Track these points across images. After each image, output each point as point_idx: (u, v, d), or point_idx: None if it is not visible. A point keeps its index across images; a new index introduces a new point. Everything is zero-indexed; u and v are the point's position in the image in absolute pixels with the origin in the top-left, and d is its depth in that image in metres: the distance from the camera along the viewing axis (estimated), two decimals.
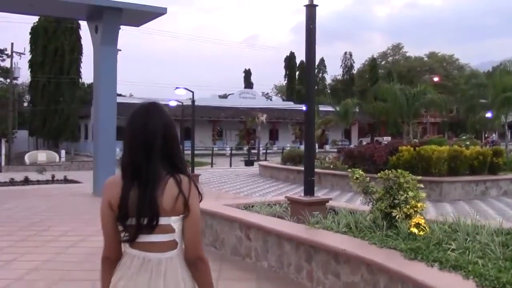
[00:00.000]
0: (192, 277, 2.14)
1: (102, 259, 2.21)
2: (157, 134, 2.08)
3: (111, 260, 2.17)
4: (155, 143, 2.07)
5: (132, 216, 2.02)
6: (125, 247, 2.11)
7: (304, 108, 7.30)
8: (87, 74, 62.50)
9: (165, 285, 2.04)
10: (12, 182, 19.63)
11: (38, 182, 20.02)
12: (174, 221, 2.04)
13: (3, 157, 39.85)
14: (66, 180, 20.87)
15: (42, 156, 41.11)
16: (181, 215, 2.05)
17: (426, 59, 78.51)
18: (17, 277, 5.73)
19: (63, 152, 42.41)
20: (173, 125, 2.22)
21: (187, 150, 28.94)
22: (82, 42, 45.55)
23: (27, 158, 40.51)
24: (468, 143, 20.95)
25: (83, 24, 43.02)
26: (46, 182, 20.10)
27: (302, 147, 25.42)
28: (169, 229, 2.04)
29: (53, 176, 21.53)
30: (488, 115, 48.38)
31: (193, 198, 2.07)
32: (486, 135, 54.38)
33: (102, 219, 2.17)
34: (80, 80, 48.05)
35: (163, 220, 2.02)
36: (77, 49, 45.17)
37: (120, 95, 38.51)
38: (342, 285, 4.80)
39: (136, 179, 2.04)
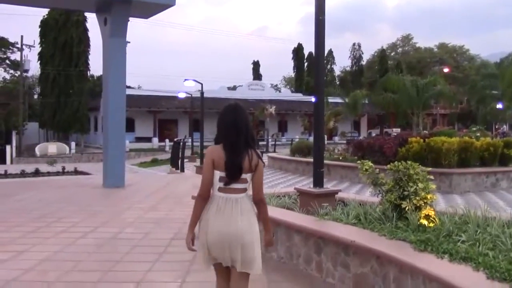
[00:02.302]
0: (255, 211, 3.41)
1: (198, 196, 3.35)
2: (242, 124, 3.36)
3: (203, 197, 3.35)
4: (241, 130, 3.33)
5: (227, 171, 3.27)
6: (213, 192, 3.33)
7: (313, 99, 7.27)
8: (95, 66, 62.60)
9: (241, 212, 3.29)
10: (23, 174, 19.83)
11: (49, 173, 20.23)
12: (248, 176, 3.33)
13: (14, 149, 40.17)
14: (76, 172, 21.06)
15: (52, 148, 41.42)
16: (251, 173, 3.34)
17: (436, 50, 77.90)
18: (29, 268, 5.78)
19: (73, 144, 42.70)
20: (249, 118, 3.51)
21: (196, 141, 29.05)
22: (90, 34, 45.69)
23: (37, 150, 40.83)
24: (478, 134, 20.80)
25: (90, 17, 43.19)
26: (57, 173, 20.30)
27: (311, 139, 25.38)
28: (244, 180, 3.33)
29: (63, 168, 21.73)
30: (499, 106, 48.00)
31: (260, 162, 3.38)
32: (496, 127, 53.96)
33: (205, 170, 3.36)
34: (88, 72, 48.21)
35: (243, 175, 3.30)
36: (85, 41, 45.28)
37: (128, 87, 38.62)
38: (352, 276, 4.80)
39: (229, 150, 3.27)
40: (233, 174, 3.27)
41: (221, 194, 3.31)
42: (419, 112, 34.03)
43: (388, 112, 50.13)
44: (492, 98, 51.38)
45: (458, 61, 74.73)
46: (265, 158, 25.81)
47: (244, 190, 3.35)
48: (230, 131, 3.33)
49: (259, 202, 3.42)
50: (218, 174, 3.29)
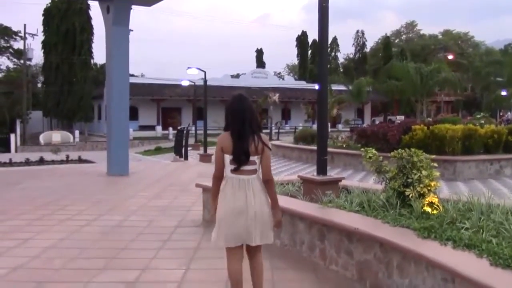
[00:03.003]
0: (265, 190, 3.81)
1: (213, 178, 3.84)
2: (246, 112, 3.76)
3: (218, 178, 3.83)
4: (246, 118, 3.73)
5: (234, 156, 3.69)
6: (226, 174, 3.76)
7: (316, 87, 7.24)
8: (99, 55, 62.52)
9: (253, 192, 3.73)
10: (27, 162, 19.90)
11: (53, 162, 20.30)
12: (256, 158, 3.74)
13: (18, 137, 40.29)
14: (80, 160, 21.13)
15: (56, 136, 41.52)
16: (259, 155, 3.74)
17: (440, 37, 77.39)
18: (34, 255, 5.82)
19: (77, 132, 42.79)
20: (253, 106, 3.94)
21: (200, 130, 29.05)
22: (93, 22, 45.54)
23: (41, 139, 40.94)
24: (482, 121, 20.72)
25: (93, 5, 43.01)
26: (61, 162, 20.37)
27: (315, 127, 25.33)
28: (253, 162, 3.74)
29: (67, 156, 21.79)
30: (504, 93, 47.76)
31: (266, 144, 3.78)
32: (501, 114, 53.75)
33: (216, 156, 3.79)
34: (92, 60, 48.13)
35: (251, 158, 3.70)
36: (88, 30, 45.15)
37: (132, 75, 38.59)
38: (355, 263, 4.81)
39: (236, 137, 3.68)
40: (240, 158, 3.69)
41: (234, 175, 3.75)
42: (423, 99, 33.94)
43: (392, 99, 50.02)
44: (497, 85, 51.14)
45: (462, 48, 74.24)
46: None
47: (255, 171, 3.78)
48: (236, 119, 3.74)
49: (268, 181, 3.82)
50: (228, 157, 3.74)
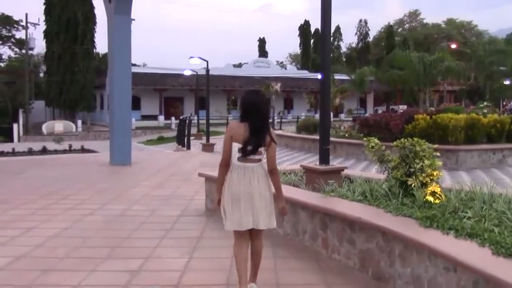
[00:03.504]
0: (268, 177, 4.08)
1: (220, 165, 4.02)
2: (267, 108, 4.11)
3: (224, 166, 4.00)
4: (266, 113, 4.09)
5: (249, 146, 3.91)
6: (233, 161, 3.97)
7: (319, 76, 7.22)
8: (101, 44, 62.40)
9: (258, 177, 3.99)
10: (30, 152, 19.93)
11: (56, 151, 20.30)
12: (262, 149, 3.99)
13: (21, 127, 40.34)
14: (83, 150, 21.14)
15: (59, 126, 41.57)
16: (265, 147, 3.99)
17: (443, 26, 76.97)
18: (38, 244, 5.86)
19: (79, 122, 42.82)
20: (267, 101, 4.25)
21: (202, 119, 29.05)
22: (96, 11, 45.38)
23: (44, 128, 40.99)
24: (485, 111, 20.67)
25: None
26: (64, 151, 20.37)
27: (317, 116, 25.30)
28: (260, 153, 3.99)
29: (70, 146, 21.80)
30: (507, 82, 47.56)
31: (273, 139, 4.04)
32: (504, 103, 53.59)
33: (225, 144, 3.99)
34: (94, 50, 48.03)
35: (260, 148, 3.96)
36: (91, 19, 45.02)
37: (134, 65, 38.50)
38: (357, 252, 4.83)
39: (253, 129, 3.90)
40: (252, 149, 3.92)
41: (240, 163, 3.96)
42: (426, 88, 33.83)
43: (394, 89, 49.84)
44: (500, 74, 50.92)
45: (466, 37, 73.84)
46: None
47: (259, 160, 4.02)
48: (257, 113, 3.95)
49: (273, 170, 4.08)
50: (236, 146, 3.93)
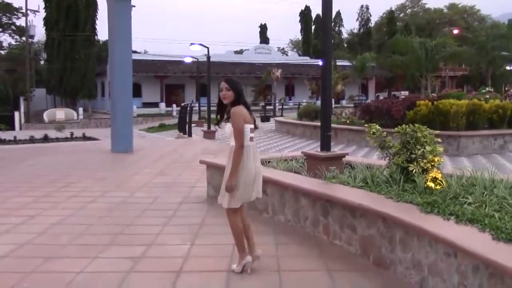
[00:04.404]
0: None
1: (240, 148, 4.24)
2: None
3: (243, 147, 4.27)
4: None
5: (254, 123, 4.44)
6: (246, 143, 4.30)
7: (320, 63, 7.20)
8: (103, 31, 62.10)
9: (258, 154, 4.55)
10: (32, 140, 19.94)
11: (57, 139, 20.31)
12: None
13: (22, 115, 40.33)
14: (84, 138, 21.14)
15: (60, 114, 41.54)
16: None
17: (446, 10, 76.37)
18: (41, 231, 5.90)
19: (80, 109, 42.78)
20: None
21: (203, 106, 29.00)
22: None
23: (45, 116, 40.98)
24: (487, 96, 20.61)
25: None
26: (65, 139, 20.38)
27: (318, 103, 25.23)
28: (253, 130, 4.40)
29: (71, 134, 21.80)
30: (509, 68, 47.34)
31: None
32: (506, 88, 53.36)
33: (242, 126, 4.27)
34: (95, 37, 47.82)
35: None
36: (92, 5, 44.76)
37: (134, 51, 38.30)
38: (358, 238, 4.86)
39: (249, 109, 4.41)
40: (256, 126, 4.45)
41: (251, 143, 4.37)
42: (427, 74, 33.70)
43: (396, 74, 49.65)
44: (503, 60, 50.64)
45: (468, 22, 73.28)
46: (272, 122, 25.85)
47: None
48: (243, 96, 4.38)
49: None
50: (248, 126, 4.31)
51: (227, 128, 4.38)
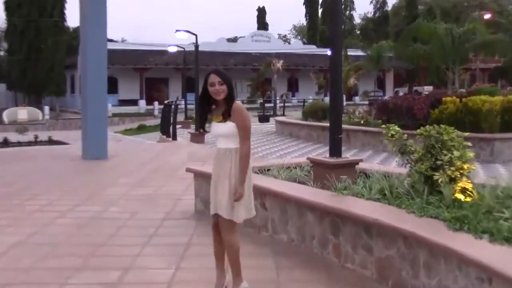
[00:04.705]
0: None
1: (249, 149, 4.37)
2: None
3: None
4: None
5: None
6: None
7: (329, 52, 7.20)
8: (73, 17, 62.10)
9: None
10: None
11: (19, 143, 20.33)
12: None
13: None
14: (51, 141, 21.16)
15: (22, 113, 41.49)
16: None
17: None
18: (0, 253, 5.85)
19: (46, 108, 42.75)
20: None
21: (191, 103, 29.01)
22: None
23: (5, 116, 40.93)
24: None
25: None
26: (28, 143, 20.40)
27: (327, 99, 25.22)
28: None
29: (36, 137, 21.82)
30: None
31: None
32: None
33: (250, 127, 4.44)
34: (65, 23, 47.82)
35: None
36: None
37: (110, 40, 38.25)
38: (375, 260, 4.83)
39: None
40: None
41: None
42: (454, 66, 33.72)
43: (418, 66, 49.73)
44: None
45: (502, 5, 73.56)
46: (272, 123, 25.86)
47: None
48: None
49: None
50: None
51: (225, 127, 4.35)
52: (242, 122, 4.32)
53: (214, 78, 4.31)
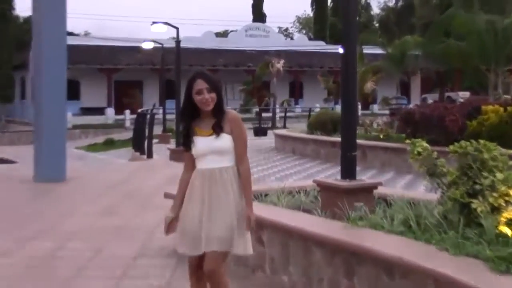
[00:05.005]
0: None
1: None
2: None
3: None
4: None
5: None
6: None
7: (340, 50, 7.22)
8: (24, 4, 62.28)
9: None
10: None
11: None
12: None
13: None
14: None
15: None
16: None
17: None
18: None
19: None
20: None
21: (170, 113, 29.01)
22: None
23: None
24: None
25: None
26: None
27: (338, 108, 25.14)
28: None
29: None
30: None
31: None
32: None
33: None
34: (13, 12, 47.98)
35: None
36: None
37: (71, 33, 38.39)
38: None
39: None
40: None
41: None
42: (497, 68, 33.83)
43: (451, 67, 49.97)
44: None
45: None
46: (271, 137, 25.86)
47: None
48: None
49: None
50: None
51: (220, 141, 4.34)
52: (242, 134, 4.36)
53: (201, 84, 4.27)
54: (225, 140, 4.31)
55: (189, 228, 4.37)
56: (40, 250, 7.76)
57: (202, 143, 4.35)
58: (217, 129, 4.30)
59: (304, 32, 78.69)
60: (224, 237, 4.28)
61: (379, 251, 5.00)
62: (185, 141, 4.46)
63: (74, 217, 9.92)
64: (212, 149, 4.33)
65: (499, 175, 5.17)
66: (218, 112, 4.33)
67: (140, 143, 22.33)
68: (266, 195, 7.43)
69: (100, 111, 45.52)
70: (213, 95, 4.27)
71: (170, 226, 4.50)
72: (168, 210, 4.55)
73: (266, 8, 72.10)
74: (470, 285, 4.11)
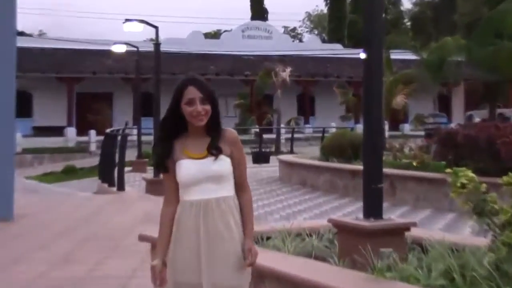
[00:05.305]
0: None
1: None
2: None
3: None
4: None
5: None
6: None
7: (362, 55, 7.23)
8: None
9: None
10: None
11: None
12: None
13: None
14: None
15: None
16: None
17: None
18: None
19: None
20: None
21: (147, 134, 29.02)
22: None
23: None
24: None
25: None
26: None
27: (359, 128, 25.02)
28: None
29: None
30: None
31: None
32: None
33: None
34: None
35: None
36: None
37: (21, 33, 38.53)
38: None
39: None
40: None
41: None
42: None
43: (504, 78, 50.21)
44: None
45: None
46: (274, 164, 25.89)
47: None
48: None
49: None
50: None
51: (219, 165, 4.24)
52: (243, 158, 4.36)
53: (193, 93, 4.16)
54: (224, 164, 4.21)
55: (184, 278, 4.20)
56: None
57: (193, 167, 4.20)
58: (215, 150, 4.18)
59: (316, 32, 79.23)
60: (235, 285, 4.22)
61: None
62: (162, 162, 4.30)
63: (24, 265, 9.89)
64: (208, 174, 4.21)
65: None
66: (214, 129, 4.23)
67: (108, 171, 22.32)
68: (268, 238, 7.41)
69: (58, 131, 45.56)
70: (208, 107, 4.15)
71: (162, 276, 4.20)
72: (151, 257, 4.42)
73: (268, 2, 72.47)
74: None
